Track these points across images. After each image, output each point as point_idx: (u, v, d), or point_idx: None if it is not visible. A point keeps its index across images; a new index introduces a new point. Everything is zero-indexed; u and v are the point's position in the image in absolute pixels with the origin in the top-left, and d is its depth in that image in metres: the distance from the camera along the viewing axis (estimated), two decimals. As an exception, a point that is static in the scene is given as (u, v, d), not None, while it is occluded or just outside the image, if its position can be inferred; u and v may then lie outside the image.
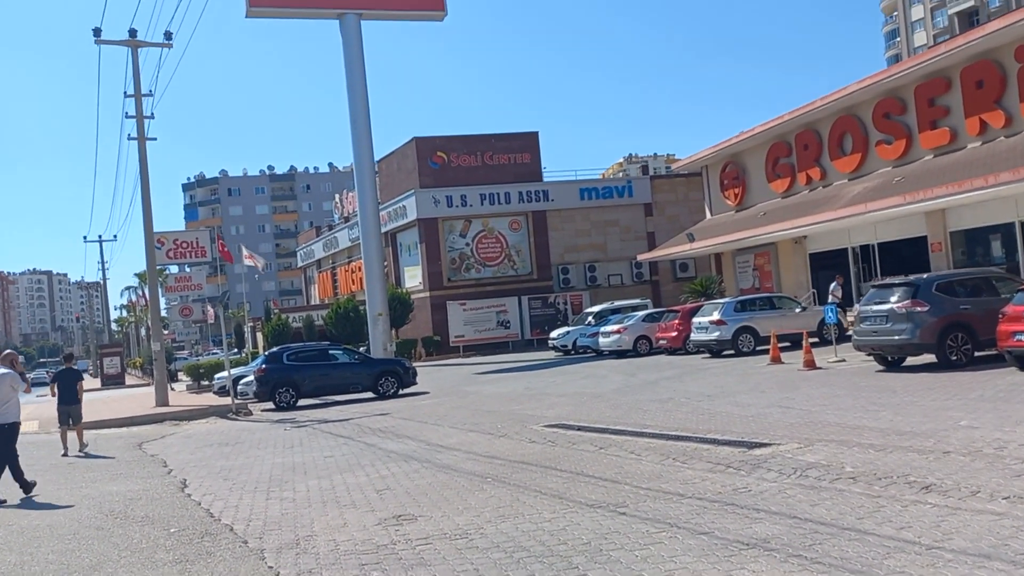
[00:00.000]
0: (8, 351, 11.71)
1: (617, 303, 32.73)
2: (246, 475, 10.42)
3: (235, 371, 23.41)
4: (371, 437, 13.18)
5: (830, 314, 17.56)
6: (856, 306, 17.92)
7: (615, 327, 27.07)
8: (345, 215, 51.33)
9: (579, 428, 11.63)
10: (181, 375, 39.46)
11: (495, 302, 39.59)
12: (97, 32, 23.25)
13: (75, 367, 15.61)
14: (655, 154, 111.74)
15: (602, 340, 27.34)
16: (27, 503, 9.57)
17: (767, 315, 22.10)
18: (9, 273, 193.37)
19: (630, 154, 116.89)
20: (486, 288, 40.36)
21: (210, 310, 38.15)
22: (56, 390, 14.93)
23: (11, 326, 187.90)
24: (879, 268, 25.34)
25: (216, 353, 51.90)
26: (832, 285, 22.97)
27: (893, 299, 14.57)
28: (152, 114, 24.69)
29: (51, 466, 11.09)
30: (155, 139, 32.35)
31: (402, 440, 12.45)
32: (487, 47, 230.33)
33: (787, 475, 7.24)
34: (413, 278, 42.30)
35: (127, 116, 24.48)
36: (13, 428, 10.03)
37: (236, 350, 39.77)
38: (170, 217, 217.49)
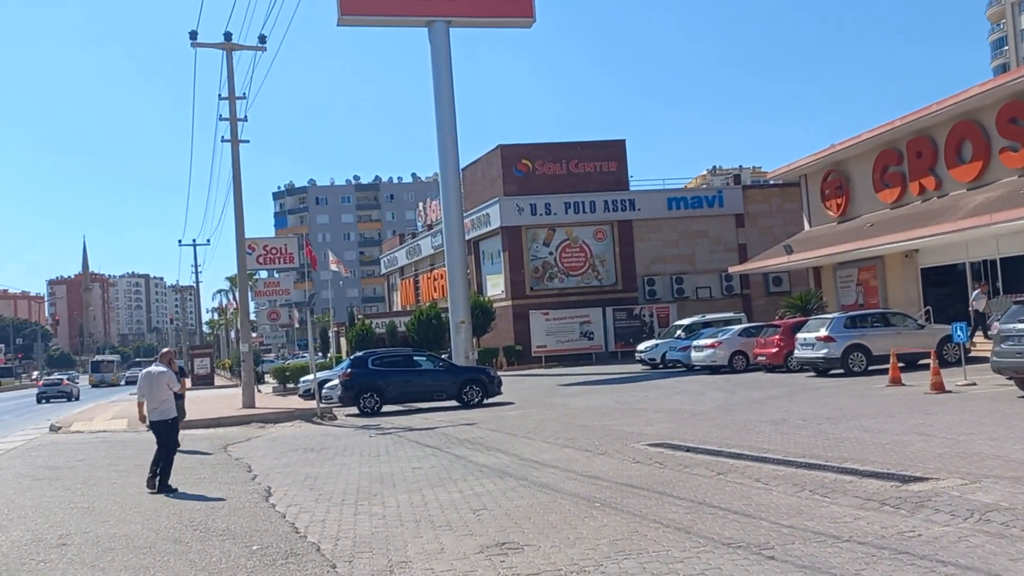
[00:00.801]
0: (166, 349, 11.87)
1: (708, 316, 31.30)
2: (332, 485, 9.85)
3: (320, 375, 23.20)
4: (459, 448, 12.49)
5: (959, 332, 15.87)
6: (995, 323, 16.18)
7: (709, 341, 25.71)
8: (428, 223, 51.32)
9: (687, 449, 10.60)
10: (268, 377, 39.97)
11: (578, 312, 38.61)
12: (193, 35, 23.47)
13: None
14: (741, 166, 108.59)
15: (694, 354, 26.03)
16: (117, 506, 9.39)
17: (880, 332, 20.38)
18: (110, 276, 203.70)
19: (714, 166, 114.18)
20: (569, 298, 39.42)
21: (295, 314, 38.60)
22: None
23: (110, 327, 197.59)
24: (1002, 285, 23.31)
25: (302, 356, 52.64)
26: (974, 294, 20.89)
27: (1042, 316, 12.98)
28: (246, 116, 24.99)
29: (135, 466, 10.84)
30: (248, 141, 32.87)
31: (492, 453, 11.70)
32: (570, 57, 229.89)
33: (962, 518, 6.08)
34: (495, 286, 41.73)
35: (221, 119, 24.75)
36: (175, 422, 10.60)
37: (321, 354, 40.06)
38: (260, 223, 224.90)
